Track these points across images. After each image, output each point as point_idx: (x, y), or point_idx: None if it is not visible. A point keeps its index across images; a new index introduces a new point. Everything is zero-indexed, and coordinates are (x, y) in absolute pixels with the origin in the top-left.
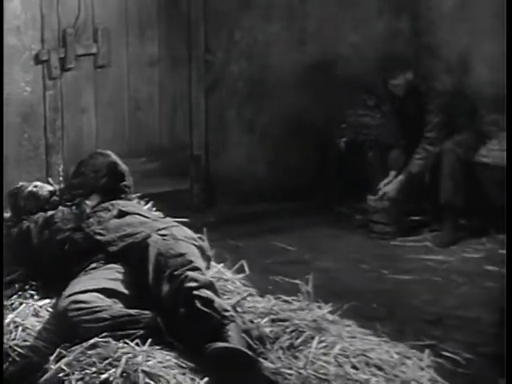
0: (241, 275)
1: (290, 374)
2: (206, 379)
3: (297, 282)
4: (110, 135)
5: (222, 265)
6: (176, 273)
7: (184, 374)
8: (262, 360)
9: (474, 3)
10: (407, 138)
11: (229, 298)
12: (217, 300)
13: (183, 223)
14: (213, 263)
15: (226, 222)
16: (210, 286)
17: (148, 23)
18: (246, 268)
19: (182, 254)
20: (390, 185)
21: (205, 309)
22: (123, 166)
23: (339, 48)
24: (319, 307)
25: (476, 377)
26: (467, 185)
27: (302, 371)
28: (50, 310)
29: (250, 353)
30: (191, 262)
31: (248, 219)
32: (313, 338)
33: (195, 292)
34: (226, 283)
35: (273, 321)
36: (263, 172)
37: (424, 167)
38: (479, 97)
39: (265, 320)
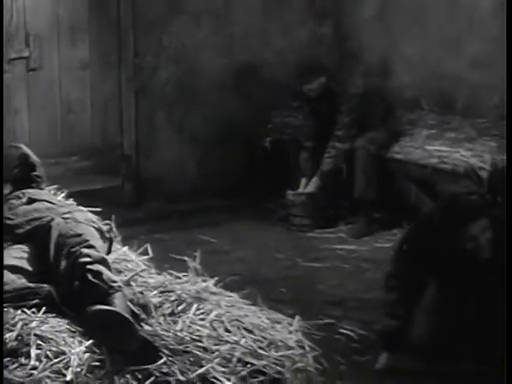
0: (145, 257)
1: (167, 336)
2: (91, 340)
3: (185, 258)
4: (43, 135)
5: (126, 247)
6: (72, 250)
7: (73, 337)
8: (143, 324)
9: (393, 10)
10: (321, 137)
11: (125, 276)
12: (106, 273)
13: (94, 212)
14: (118, 246)
15: (154, 218)
16: (102, 261)
17: (79, 28)
18: (150, 251)
19: (79, 234)
20: (307, 187)
21: (94, 280)
22: (34, 158)
23: (265, 53)
24: (204, 281)
25: (365, 350)
26: (380, 180)
27: (178, 333)
28: None
29: (125, 314)
30: (87, 240)
31: (177, 216)
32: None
33: (88, 266)
34: (128, 263)
35: (161, 292)
36: (193, 171)
37: (335, 164)
38: (398, 98)
39: (154, 292)
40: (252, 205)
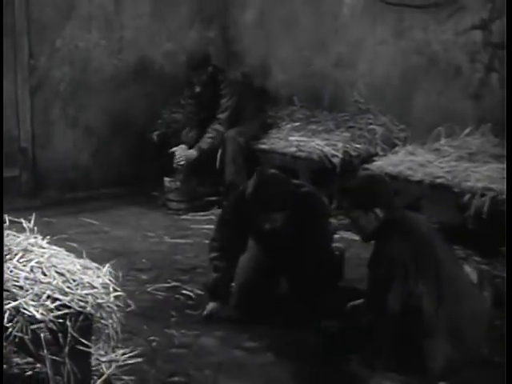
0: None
1: None
2: None
3: (21, 221)
4: None
5: None
6: None
7: None
8: None
9: (270, 17)
10: (206, 122)
11: None
12: None
13: None
14: None
15: (49, 205)
16: None
17: None
18: (7, 221)
19: None
20: (184, 152)
21: None
22: None
23: (155, 54)
24: (35, 237)
25: (198, 305)
26: (248, 167)
27: None
28: None
29: None
30: None
31: (69, 203)
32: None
33: None
34: None
35: None
36: (86, 162)
37: (213, 145)
38: (275, 95)
39: None
40: (139, 192)
